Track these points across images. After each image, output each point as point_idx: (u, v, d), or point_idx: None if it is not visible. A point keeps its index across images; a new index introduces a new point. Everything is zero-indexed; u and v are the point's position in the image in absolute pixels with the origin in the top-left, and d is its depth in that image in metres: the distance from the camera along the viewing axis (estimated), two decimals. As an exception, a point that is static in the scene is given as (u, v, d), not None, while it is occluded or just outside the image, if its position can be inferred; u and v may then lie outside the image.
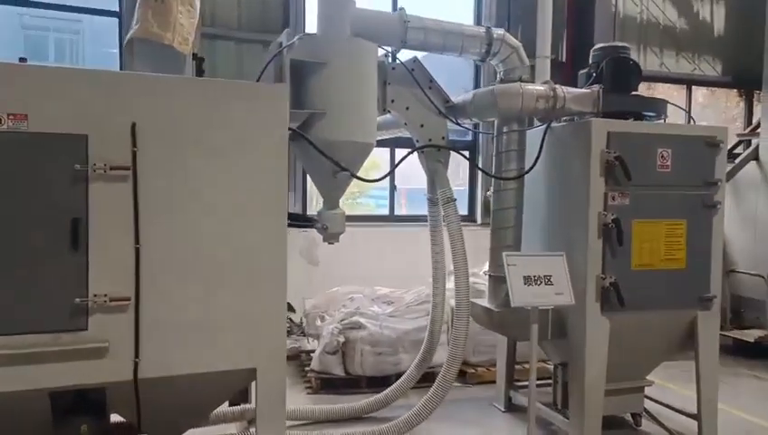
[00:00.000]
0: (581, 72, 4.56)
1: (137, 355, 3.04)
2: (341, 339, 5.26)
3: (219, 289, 3.19)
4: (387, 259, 7.04)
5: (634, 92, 4.31)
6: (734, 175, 8.48)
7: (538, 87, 4.07)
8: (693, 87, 9.38)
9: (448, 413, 4.79)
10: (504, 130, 4.25)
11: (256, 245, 3.26)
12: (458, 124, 4.43)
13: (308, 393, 5.23)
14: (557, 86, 4.11)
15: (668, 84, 9.38)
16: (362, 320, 5.35)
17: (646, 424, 4.59)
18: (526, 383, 5.03)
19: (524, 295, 3.82)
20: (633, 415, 4.60)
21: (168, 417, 3.44)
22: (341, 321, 5.41)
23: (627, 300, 3.93)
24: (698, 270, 4.18)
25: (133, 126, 2.98)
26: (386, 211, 7.79)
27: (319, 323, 5.79)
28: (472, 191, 7.95)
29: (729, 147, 8.96)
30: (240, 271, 3.23)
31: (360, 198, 9.63)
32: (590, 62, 4.46)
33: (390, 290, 6.31)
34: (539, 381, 5.04)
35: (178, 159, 3.09)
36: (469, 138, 7.58)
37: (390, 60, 4.14)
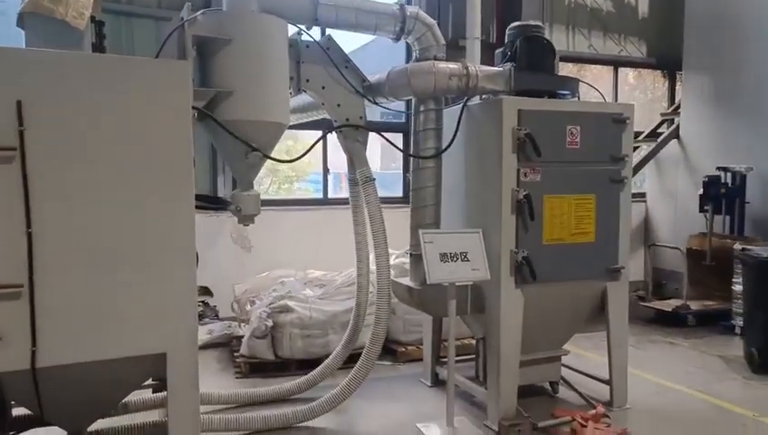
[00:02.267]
0: (498, 50, 4.64)
1: (33, 344, 2.94)
2: (269, 323, 5.23)
3: (120, 274, 3.10)
4: (322, 243, 7.03)
5: (550, 72, 4.40)
6: (656, 153, 8.85)
7: (451, 65, 4.11)
8: (620, 68, 9.66)
9: (377, 390, 4.86)
10: (422, 108, 4.28)
11: (160, 228, 3.17)
12: (375, 103, 4.44)
13: (237, 378, 5.20)
14: (470, 64, 4.16)
15: (598, 66, 9.64)
16: (291, 303, 5.33)
17: (563, 391, 4.77)
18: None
19: (440, 272, 3.89)
20: (551, 383, 4.76)
21: (74, 406, 3.35)
22: (270, 305, 5.38)
23: (539, 273, 4.05)
24: (607, 243, 4.35)
25: (19, 104, 2.85)
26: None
27: (249, 307, 5.76)
28: (406, 173, 7.99)
29: (654, 127, 9.41)
30: (143, 255, 3.14)
31: (298, 182, 9.57)
32: (506, 41, 4.53)
33: (323, 273, 6.31)
34: (465, 357, 5.20)
35: (71, 139, 2.97)
36: (403, 119, 7.63)
37: (303, 38, 4.09)
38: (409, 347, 5.64)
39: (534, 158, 4.03)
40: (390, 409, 4.58)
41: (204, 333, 6.19)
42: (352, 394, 4.26)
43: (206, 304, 3.81)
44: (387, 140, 4.30)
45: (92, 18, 3.38)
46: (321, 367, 4.72)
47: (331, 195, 7.62)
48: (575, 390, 4.68)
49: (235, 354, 5.43)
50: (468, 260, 4.00)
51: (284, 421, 4.08)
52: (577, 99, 4.54)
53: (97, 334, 3.07)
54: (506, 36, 4.56)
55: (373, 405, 4.61)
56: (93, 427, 3.68)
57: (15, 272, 2.89)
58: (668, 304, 7.16)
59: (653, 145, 8.82)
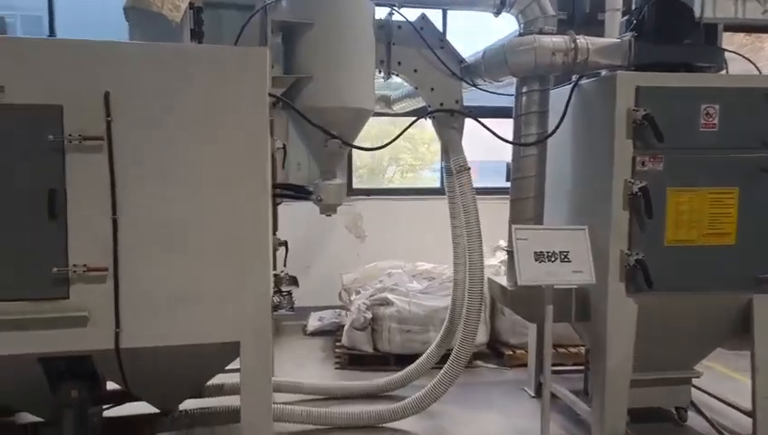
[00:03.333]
0: (622, 19, 4.02)
1: (117, 325, 3.08)
2: (369, 315, 5.12)
3: (197, 260, 3.14)
4: (436, 234, 6.76)
5: (686, 41, 3.68)
6: None
7: (556, 39, 3.60)
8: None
9: (474, 396, 4.54)
10: (524, 90, 3.83)
11: (236, 215, 3.17)
12: (474, 86, 4.07)
13: (336, 368, 5.17)
14: (579, 37, 3.62)
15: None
16: (391, 296, 5.17)
17: (692, 418, 4.05)
18: (561, 368, 4.69)
19: (533, 273, 3.45)
20: (678, 409, 4.07)
21: (158, 386, 3.49)
22: (370, 297, 5.27)
23: (658, 280, 3.44)
24: (754, 246, 3.57)
25: (106, 95, 2.97)
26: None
27: (353, 298, 5.70)
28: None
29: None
30: (219, 242, 3.16)
31: (423, 170, 9.36)
32: (633, 8, 3.90)
33: (433, 266, 6.06)
34: (573, 368, 4.67)
35: (153, 128, 3.05)
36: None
37: (394, 18, 3.85)
38: (518, 351, 5.20)
39: (655, 143, 3.41)
40: (484, 418, 4.22)
41: (315, 320, 6.29)
42: (444, 398, 4.00)
43: (288, 293, 3.76)
44: (482, 125, 3.91)
45: (191, 5, 3.44)
46: (413, 365, 4.50)
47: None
48: (707, 419, 3.95)
49: (337, 344, 5.40)
50: (569, 261, 3.51)
51: (366, 420, 3.93)
52: (724, 72, 3.78)
53: (174, 320, 3.14)
54: (633, 2, 3.92)
55: (466, 411, 4.29)
56: (184, 406, 3.82)
57: (102, 256, 3.04)
58: None
59: None
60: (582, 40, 3.60)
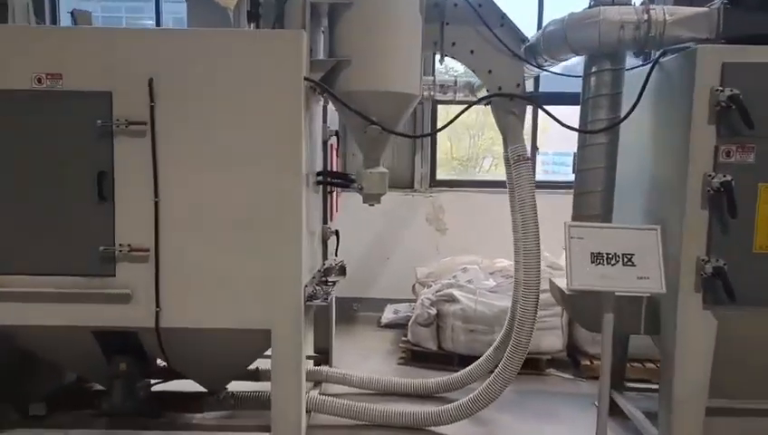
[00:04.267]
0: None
1: (157, 305, 3.19)
2: (432, 311, 4.91)
3: (232, 246, 3.18)
4: (522, 229, 6.37)
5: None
6: None
7: (624, 10, 3.14)
8: None
9: (538, 406, 4.19)
10: (593, 69, 3.40)
11: (267, 202, 3.15)
12: (539, 67, 3.69)
13: (398, 364, 5.02)
14: (654, 7, 3.12)
15: None
16: (456, 293, 4.91)
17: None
18: (637, 384, 4.19)
19: (587, 276, 3.06)
20: (774, 447, 3.43)
21: (199, 366, 3.58)
22: (436, 292, 5.04)
23: (743, 292, 2.90)
24: None
25: (150, 81, 3.07)
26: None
27: (423, 292, 5.50)
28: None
29: None
30: (253, 228, 3.17)
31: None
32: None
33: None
34: (650, 386, 4.13)
35: (193, 112, 3.13)
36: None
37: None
38: (596, 361, 4.69)
39: (744, 130, 2.86)
40: (541, 431, 3.87)
41: (390, 312, 6.18)
42: (502, 405, 3.77)
43: (329, 283, 3.69)
44: (543, 110, 3.54)
45: None
46: (469, 368, 4.23)
47: (546, 178, 6.82)
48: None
49: (403, 339, 5.25)
50: (634, 265, 3.07)
51: (407, 421, 3.75)
52: None
53: (209, 304, 3.20)
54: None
55: (523, 422, 3.96)
56: (232, 387, 3.89)
57: (145, 237, 3.16)
58: None
59: None
60: (658, 10, 3.10)
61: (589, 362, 4.74)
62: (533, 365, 4.78)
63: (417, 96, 3.44)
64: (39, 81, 3.10)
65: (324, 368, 4.42)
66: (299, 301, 3.23)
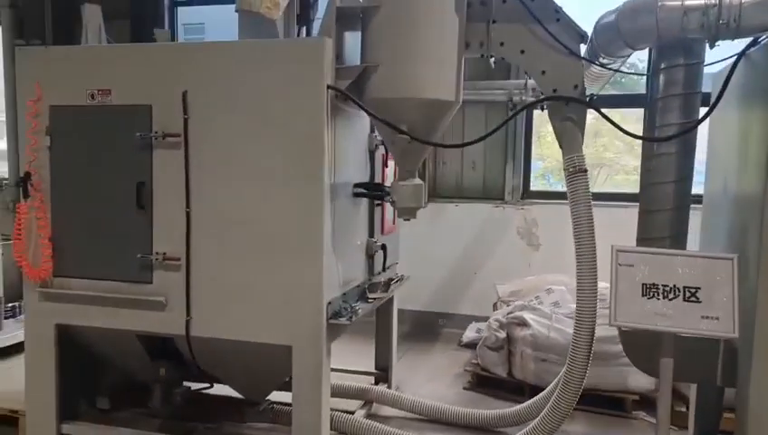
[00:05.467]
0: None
1: (188, 313, 3.27)
2: (501, 334, 4.51)
3: (256, 258, 3.17)
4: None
5: None
6: None
7: (691, -6, 2.60)
8: None
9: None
10: (662, 66, 2.88)
11: (288, 215, 3.10)
12: (602, 66, 3.21)
13: (464, 388, 4.69)
14: (731, -13, 2.55)
15: None
16: (528, 316, 4.46)
17: None
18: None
19: (634, 312, 2.59)
20: None
21: (232, 375, 3.60)
22: (507, 314, 4.63)
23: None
24: None
25: (184, 94, 3.15)
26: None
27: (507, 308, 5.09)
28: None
29: None
30: (275, 241, 3.13)
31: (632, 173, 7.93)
32: None
33: (606, 286, 5.05)
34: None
35: (222, 124, 3.18)
36: None
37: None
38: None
39: None
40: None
41: (472, 331, 5.83)
42: None
43: (371, 300, 3.53)
44: (603, 115, 3.06)
45: None
46: (527, 403, 3.81)
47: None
48: None
49: (472, 362, 4.90)
50: (698, 301, 2.53)
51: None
52: None
53: (235, 315, 3.23)
54: None
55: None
56: (278, 398, 3.87)
57: (178, 246, 3.25)
58: None
59: None
60: (735, -9, 2.53)
61: (684, 409, 4.04)
62: (618, 406, 4.22)
63: (454, 102, 3.16)
64: (92, 96, 3.32)
65: (377, 387, 4.24)
66: (320, 318, 3.11)
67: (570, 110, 3.21)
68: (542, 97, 3.25)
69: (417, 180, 3.32)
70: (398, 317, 6.42)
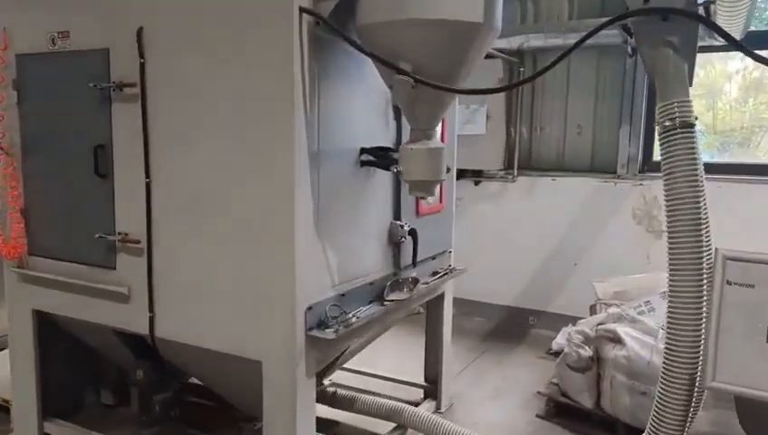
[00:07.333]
0: None
1: (151, 309, 2.67)
2: (585, 352, 3.40)
3: (226, 245, 2.49)
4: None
5: None
6: None
7: None
8: None
9: None
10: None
11: (264, 188, 2.33)
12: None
13: (537, 415, 3.64)
14: None
15: None
16: (622, 331, 3.29)
17: None
18: None
19: (749, 367, 1.44)
20: None
21: (217, 388, 2.94)
22: (597, 325, 3.49)
23: None
24: None
25: (139, 32, 2.50)
26: None
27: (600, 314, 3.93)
28: None
29: None
30: (246, 223, 2.41)
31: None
32: None
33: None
34: None
35: (182, 69, 2.49)
36: None
37: None
38: None
39: None
40: None
41: (564, 336, 4.70)
42: None
43: (387, 302, 2.69)
44: (730, 40, 1.86)
45: None
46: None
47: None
48: None
49: (552, 381, 3.81)
50: None
51: None
52: None
53: (204, 317, 2.58)
54: None
55: None
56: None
57: (139, 226, 2.66)
58: None
59: None
60: None
61: None
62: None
63: (481, 26, 2.14)
64: (53, 41, 2.78)
65: (411, 408, 3.35)
66: (292, 329, 2.32)
67: (668, 29, 2.03)
68: (628, 11, 2.09)
69: (434, 143, 2.35)
70: (482, 312, 5.51)
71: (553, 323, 5.00)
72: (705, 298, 1.91)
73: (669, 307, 1.99)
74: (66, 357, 3.23)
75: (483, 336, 5.08)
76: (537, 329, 5.18)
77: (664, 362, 1.98)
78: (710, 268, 1.94)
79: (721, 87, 5.78)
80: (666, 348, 1.97)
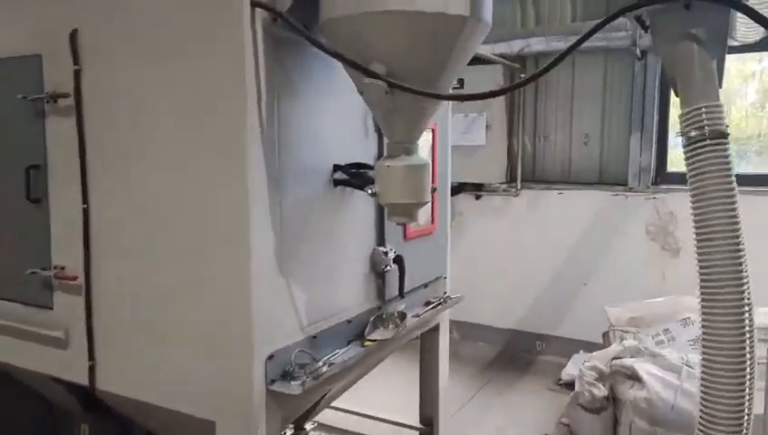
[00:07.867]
0: None
1: (90, 356, 2.31)
2: (600, 392, 3.01)
3: (177, 281, 2.11)
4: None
5: None
6: None
7: None
8: None
9: None
10: None
11: (214, 216, 1.97)
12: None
13: (545, 461, 3.26)
14: None
15: None
16: (643, 368, 2.90)
17: None
18: None
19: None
20: None
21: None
22: (613, 359, 3.10)
23: None
24: None
25: (73, 34, 2.16)
26: None
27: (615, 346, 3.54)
28: None
29: None
30: (196, 255, 2.03)
31: None
32: None
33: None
34: None
35: (123, 77, 2.14)
36: None
37: None
38: None
39: None
40: None
41: (575, 366, 4.30)
42: None
43: (369, 342, 2.33)
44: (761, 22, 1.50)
45: None
46: None
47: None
48: None
49: (561, 421, 3.42)
50: None
51: None
52: None
53: (150, 367, 2.19)
54: None
55: None
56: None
57: (77, 259, 2.30)
58: None
59: None
60: None
61: None
62: None
63: (467, 20, 1.78)
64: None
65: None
66: (248, 383, 1.95)
67: (692, 19, 1.67)
68: (637, 2, 1.73)
69: (416, 159, 1.99)
70: (485, 337, 5.12)
71: (563, 348, 4.62)
72: (748, 347, 1.57)
73: (703, 362, 1.62)
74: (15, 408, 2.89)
75: (485, 364, 4.69)
76: (545, 355, 4.79)
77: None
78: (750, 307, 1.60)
79: (737, 90, 5.41)
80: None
